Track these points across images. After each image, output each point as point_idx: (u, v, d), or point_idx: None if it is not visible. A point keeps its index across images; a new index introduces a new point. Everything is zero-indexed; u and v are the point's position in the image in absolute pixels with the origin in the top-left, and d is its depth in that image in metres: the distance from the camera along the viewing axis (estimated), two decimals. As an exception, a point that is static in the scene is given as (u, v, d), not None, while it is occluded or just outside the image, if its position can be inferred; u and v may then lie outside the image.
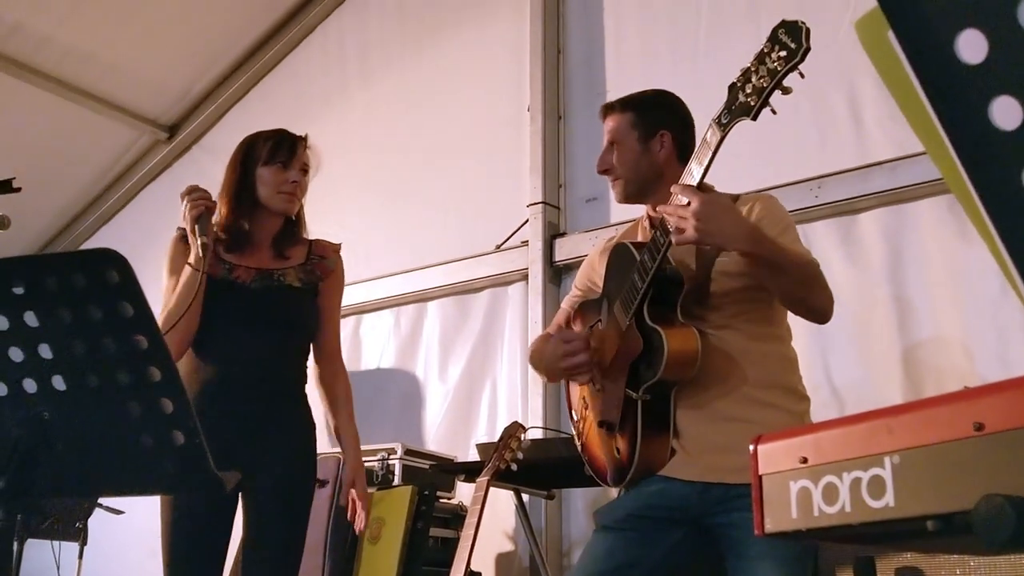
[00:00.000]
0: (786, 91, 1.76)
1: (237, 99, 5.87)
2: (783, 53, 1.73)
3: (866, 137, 3.52)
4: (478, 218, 4.65)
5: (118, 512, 4.18)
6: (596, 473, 2.26)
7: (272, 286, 2.50)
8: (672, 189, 1.95)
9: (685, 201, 1.89)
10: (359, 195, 5.03)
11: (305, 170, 2.58)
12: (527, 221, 4.40)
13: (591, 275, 2.40)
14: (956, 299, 3.22)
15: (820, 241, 3.55)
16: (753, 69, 1.79)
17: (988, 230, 0.70)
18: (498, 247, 4.51)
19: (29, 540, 3.79)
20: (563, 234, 4.35)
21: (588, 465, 2.29)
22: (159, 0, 5.29)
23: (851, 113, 3.55)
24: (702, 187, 1.93)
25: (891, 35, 0.71)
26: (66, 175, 5.97)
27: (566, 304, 2.48)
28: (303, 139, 2.60)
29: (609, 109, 2.30)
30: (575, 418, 2.37)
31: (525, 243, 4.39)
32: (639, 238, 2.25)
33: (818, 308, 2.07)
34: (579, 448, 2.33)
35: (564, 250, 4.29)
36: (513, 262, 4.44)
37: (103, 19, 5.29)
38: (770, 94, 1.77)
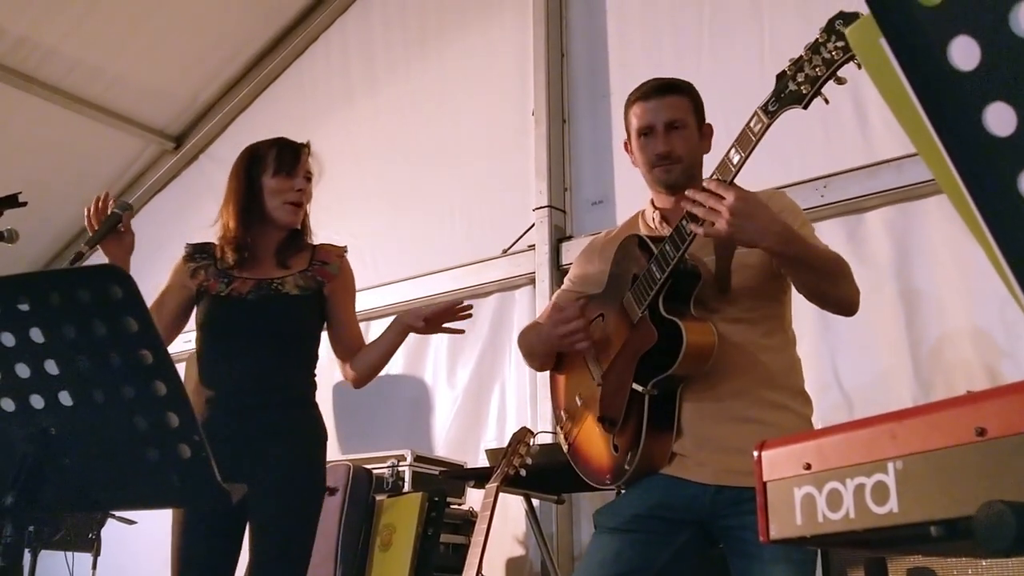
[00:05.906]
0: (840, 81, 1.77)
1: (243, 108, 5.89)
2: (840, 44, 1.72)
3: (872, 135, 3.51)
4: (484, 223, 4.66)
5: (131, 522, 4.19)
6: (588, 475, 2.19)
7: (268, 295, 2.46)
8: (706, 184, 1.91)
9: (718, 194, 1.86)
10: (366, 201, 5.04)
11: (309, 177, 2.56)
12: (533, 225, 4.40)
13: (588, 270, 2.35)
14: (964, 297, 3.20)
15: (827, 240, 3.47)
16: (806, 59, 1.78)
17: (984, 235, 0.70)
18: (505, 251, 4.51)
19: (43, 551, 3.81)
20: (569, 237, 4.35)
21: (577, 466, 2.22)
22: (164, 11, 5.31)
23: (857, 111, 3.53)
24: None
25: (883, 42, 0.71)
26: (73, 187, 5.99)
27: (560, 298, 2.40)
28: (305, 146, 2.58)
29: (674, 89, 2.20)
30: (563, 417, 2.30)
31: (532, 247, 4.40)
32: (641, 231, 2.21)
33: (844, 301, 2.06)
34: (566, 449, 2.27)
35: (571, 253, 4.27)
36: (520, 266, 4.44)
37: (108, 31, 5.32)
38: (824, 83, 1.77)
